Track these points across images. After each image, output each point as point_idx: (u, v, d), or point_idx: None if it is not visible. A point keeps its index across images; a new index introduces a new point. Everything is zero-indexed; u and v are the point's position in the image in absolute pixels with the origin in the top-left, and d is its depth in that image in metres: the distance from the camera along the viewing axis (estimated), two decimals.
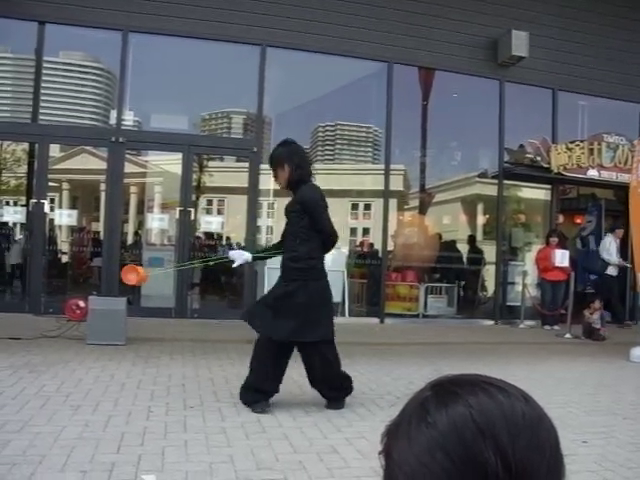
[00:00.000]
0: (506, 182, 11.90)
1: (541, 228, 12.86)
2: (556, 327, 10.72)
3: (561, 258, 10.82)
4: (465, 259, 12.69)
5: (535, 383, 5.81)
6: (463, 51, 11.24)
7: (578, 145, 11.68)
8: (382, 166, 11.37)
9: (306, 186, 4.76)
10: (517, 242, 12.63)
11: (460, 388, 0.75)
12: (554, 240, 11.04)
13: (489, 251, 12.35)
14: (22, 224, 10.79)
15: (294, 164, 4.74)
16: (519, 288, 11.46)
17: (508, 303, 11.93)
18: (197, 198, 12.68)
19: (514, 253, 12.55)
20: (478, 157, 13.30)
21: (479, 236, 13.33)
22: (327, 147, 14.16)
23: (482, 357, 7.56)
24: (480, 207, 13.81)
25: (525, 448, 0.71)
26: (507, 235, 12.31)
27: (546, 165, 11.60)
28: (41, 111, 10.36)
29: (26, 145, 11.76)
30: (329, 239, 4.77)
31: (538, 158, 11.67)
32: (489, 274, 12.34)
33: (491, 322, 11.54)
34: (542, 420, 0.75)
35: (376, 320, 10.83)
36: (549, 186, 12.30)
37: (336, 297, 10.95)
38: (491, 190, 12.18)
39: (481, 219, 13.76)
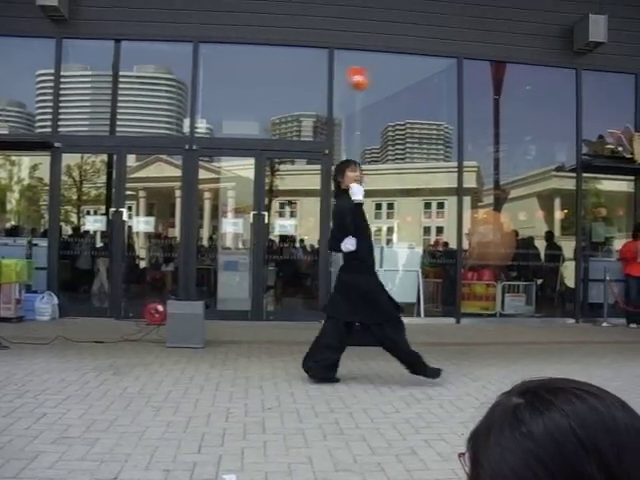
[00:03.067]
0: (585, 175, 11.45)
1: (624, 222, 12.32)
2: None
3: None
4: (543, 256, 12.29)
5: (624, 384, 5.55)
6: (535, 41, 10.82)
7: None
8: (455, 163, 11.16)
9: None
10: (598, 237, 12.12)
11: (554, 396, 0.71)
12: None
13: (568, 247, 11.93)
14: (102, 232, 11.17)
15: None
16: (601, 285, 11.00)
17: (590, 300, 11.45)
18: (270, 202, 12.82)
19: (595, 248, 12.05)
20: (554, 150, 12.81)
21: (557, 232, 12.89)
22: (397, 146, 14.03)
23: (563, 357, 7.30)
24: (557, 202, 13.34)
25: (631, 461, 0.66)
26: (587, 230, 11.85)
27: (629, 155, 11.08)
28: (118, 123, 10.71)
29: (105, 156, 12.20)
30: None
31: (620, 148, 11.17)
32: (568, 271, 11.89)
33: (572, 321, 11.12)
34: None
35: (452, 320, 10.64)
36: (632, 177, 11.76)
37: (411, 297, 10.86)
38: (569, 184, 11.75)
39: (559, 214, 13.28)
